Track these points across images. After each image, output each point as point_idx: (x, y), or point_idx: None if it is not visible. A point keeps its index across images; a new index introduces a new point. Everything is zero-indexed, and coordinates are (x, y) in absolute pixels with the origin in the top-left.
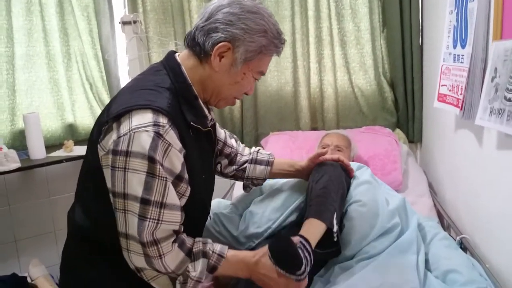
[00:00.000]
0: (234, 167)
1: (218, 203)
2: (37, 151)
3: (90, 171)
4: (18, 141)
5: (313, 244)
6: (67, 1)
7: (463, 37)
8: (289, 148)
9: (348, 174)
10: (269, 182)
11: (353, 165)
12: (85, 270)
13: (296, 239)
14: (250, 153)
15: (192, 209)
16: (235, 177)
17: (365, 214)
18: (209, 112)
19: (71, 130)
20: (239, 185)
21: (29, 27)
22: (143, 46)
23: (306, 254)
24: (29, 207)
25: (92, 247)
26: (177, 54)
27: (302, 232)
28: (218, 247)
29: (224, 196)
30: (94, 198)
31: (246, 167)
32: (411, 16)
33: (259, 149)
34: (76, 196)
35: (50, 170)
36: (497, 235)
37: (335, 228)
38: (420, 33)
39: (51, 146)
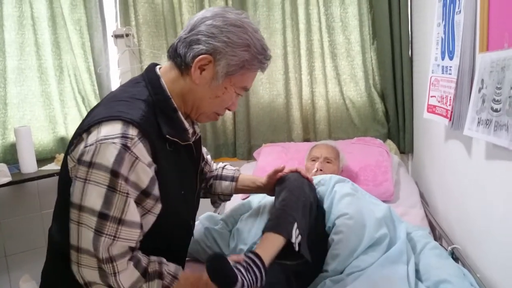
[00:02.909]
0: (203, 184)
1: (209, 218)
2: (29, 165)
3: (62, 185)
4: (9, 155)
5: (267, 257)
6: (60, 15)
7: (451, 49)
8: (281, 160)
9: (309, 181)
10: (257, 196)
11: (333, 178)
12: None
13: (240, 257)
14: (216, 169)
15: (170, 227)
16: (204, 193)
17: (353, 226)
18: (193, 126)
19: (63, 144)
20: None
21: (21, 40)
22: (136, 59)
23: (255, 270)
24: (20, 221)
25: (68, 265)
26: (158, 66)
27: (256, 248)
28: (172, 268)
29: (215, 210)
30: (67, 213)
31: (212, 183)
32: (400, 28)
33: (225, 165)
34: (54, 213)
35: (41, 184)
36: (488, 245)
37: (294, 239)
38: (410, 45)
39: (42, 159)
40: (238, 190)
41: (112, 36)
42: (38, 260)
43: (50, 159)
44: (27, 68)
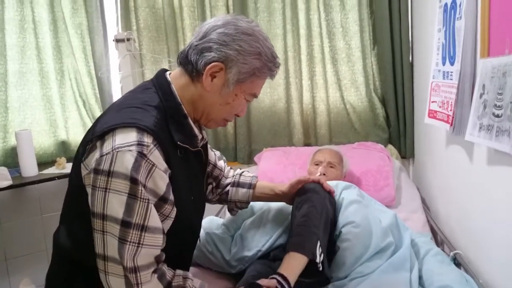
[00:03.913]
0: (219, 190)
1: (210, 221)
2: (29, 168)
3: (74, 190)
4: (10, 158)
5: (293, 279)
6: (61, 19)
7: (452, 55)
8: (282, 164)
9: (331, 195)
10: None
11: (340, 184)
12: None
13: (272, 283)
14: (233, 176)
15: (180, 231)
16: (220, 200)
17: (359, 235)
18: (201, 132)
19: (63, 147)
20: None
21: (23, 44)
22: (137, 64)
23: None
24: (20, 225)
25: (74, 269)
26: (168, 72)
27: (281, 269)
28: (197, 284)
29: (217, 214)
30: (77, 218)
31: (228, 190)
32: (401, 33)
33: (243, 171)
34: (61, 217)
35: (42, 187)
36: (490, 250)
37: (318, 259)
38: (411, 50)
39: (43, 163)
40: (255, 198)
41: (113, 40)
42: (38, 264)
43: (51, 163)
44: (28, 71)
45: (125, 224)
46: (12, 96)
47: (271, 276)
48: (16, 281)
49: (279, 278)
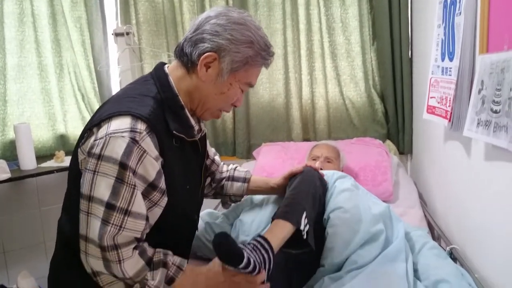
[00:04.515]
0: (214, 184)
1: (209, 214)
2: (28, 162)
3: (73, 177)
4: (9, 151)
5: (276, 243)
6: (60, 12)
7: (451, 50)
8: (281, 159)
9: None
10: None
11: (335, 173)
12: (72, 280)
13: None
14: (227, 170)
15: (175, 220)
16: (215, 194)
17: (348, 220)
18: (199, 124)
19: (62, 141)
20: None
21: (22, 38)
22: (136, 58)
23: (263, 251)
24: (19, 217)
25: (77, 256)
26: (166, 65)
27: (264, 233)
28: (178, 260)
29: (216, 207)
30: (77, 205)
31: (224, 184)
32: (400, 29)
33: (236, 167)
34: (63, 204)
35: (40, 180)
36: (486, 245)
37: (303, 227)
38: (410, 46)
39: (42, 156)
40: (250, 191)
41: (112, 34)
42: (37, 257)
43: (50, 156)
44: (27, 65)
45: (110, 207)
46: (11, 89)
47: (251, 239)
48: (14, 273)
49: (258, 238)
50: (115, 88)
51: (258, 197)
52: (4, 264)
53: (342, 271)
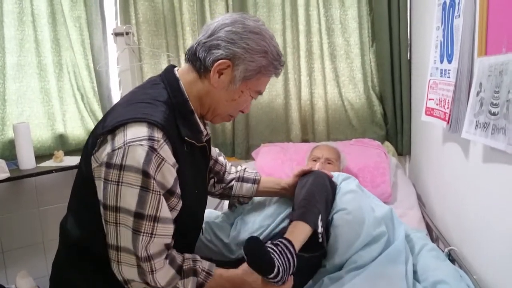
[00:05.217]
0: (222, 185)
1: (209, 214)
2: (27, 161)
3: (83, 182)
4: (8, 151)
5: (298, 245)
6: (60, 12)
7: (450, 53)
8: (280, 160)
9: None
10: None
11: (341, 175)
12: (76, 281)
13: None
14: (236, 171)
15: (184, 222)
16: (222, 195)
17: (351, 221)
18: (205, 127)
19: (61, 141)
20: None
21: (21, 37)
22: (135, 58)
23: (289, 256)
24: (17, 217)
25: (83, 258)
26: (176, 68)
27: (286, 234)
28: (206, 264)
29: (216, 207)
30: (86, 209)
31: (233, 185)
32: (399, 31)
33: (246, 168)
34: (69, 206)
35: (39, 180)
36: (484, 247)
37: (320, 229)
38: (409, 48)
39: (41, 156)
40: (259, 193)
41: (112, 34)
42: (35, 256)
43: (49, 156)
44: (26, 64)
45: (139, 216)
46: (10, 89)
47: (276, 240)
48: (13, 273)
49: (284, 241)
50: (114, 88)
51: (258, 198)
52: (3, 263)
53: (342, 270)
